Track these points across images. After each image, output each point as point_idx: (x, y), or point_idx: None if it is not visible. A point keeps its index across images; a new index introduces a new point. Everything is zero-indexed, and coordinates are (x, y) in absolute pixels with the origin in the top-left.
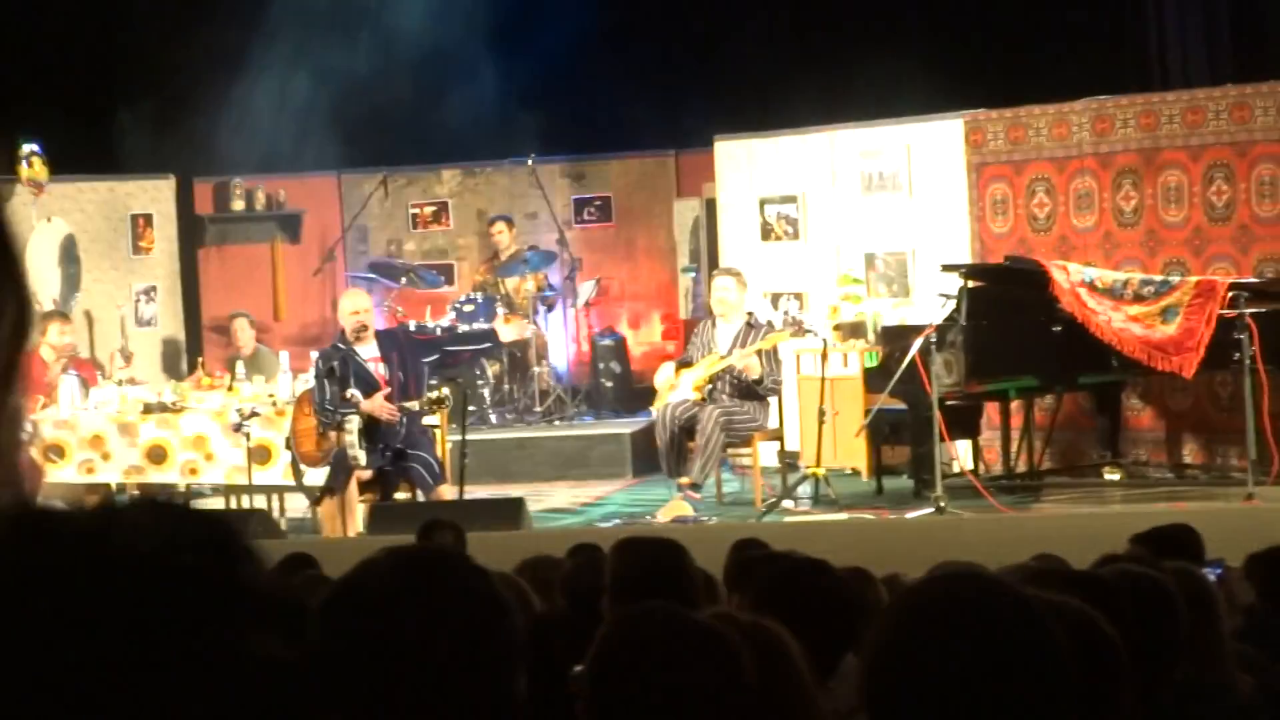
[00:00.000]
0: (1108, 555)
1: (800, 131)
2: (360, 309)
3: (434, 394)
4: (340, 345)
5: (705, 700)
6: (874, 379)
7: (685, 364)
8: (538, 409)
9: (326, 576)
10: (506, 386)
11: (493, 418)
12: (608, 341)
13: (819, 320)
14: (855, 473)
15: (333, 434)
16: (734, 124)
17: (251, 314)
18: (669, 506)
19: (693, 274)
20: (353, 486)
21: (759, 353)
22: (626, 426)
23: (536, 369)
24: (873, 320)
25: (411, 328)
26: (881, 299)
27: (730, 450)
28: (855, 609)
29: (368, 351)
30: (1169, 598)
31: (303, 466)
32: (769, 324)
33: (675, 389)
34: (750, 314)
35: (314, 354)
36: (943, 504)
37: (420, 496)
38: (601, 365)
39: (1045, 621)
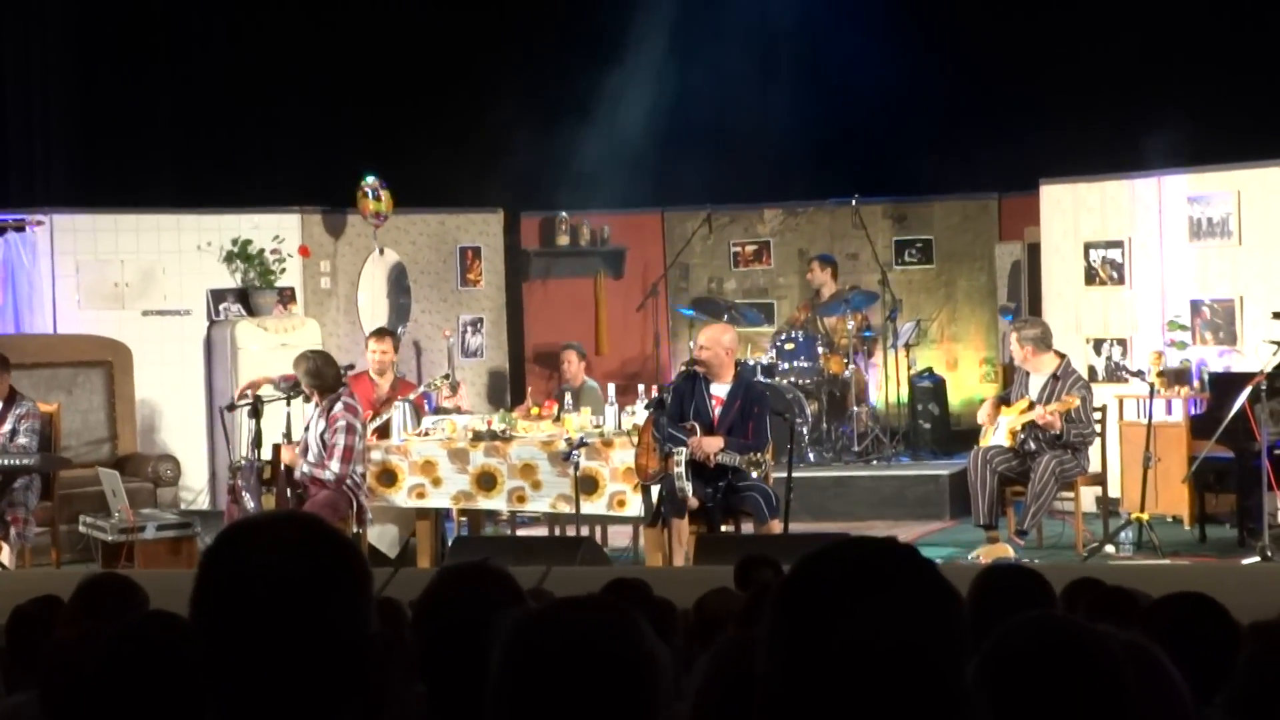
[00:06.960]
0: None
1: (1127, 176)
2: (707, 343)
3: (757, 456)
4: (698, 371)
5: (1098, 709)
6: (1199, 426)
7: (1004, 401)
8: (855, 448)
9: (665, 597)
10: (825, 425)
11: (810, 456)
12: (926, 383)
13: (1143, 365)
14: (1177, 520)
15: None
16: (1058, 168)
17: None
18: (990, 549)
19: (1008, 318)
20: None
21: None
22: (944, 468)
23: (855, 409)
24: (1198, 367)
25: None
26: (1207, 346)
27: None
28: (1232, 645)
29: (719, 389)
30: None
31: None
32: (1076, 376)
33: (992, 433)
34: (1061, 361)
35: (641, 386)
36: (1269, 554)
37: (747, 529)
38: (920, 406)
39: None
